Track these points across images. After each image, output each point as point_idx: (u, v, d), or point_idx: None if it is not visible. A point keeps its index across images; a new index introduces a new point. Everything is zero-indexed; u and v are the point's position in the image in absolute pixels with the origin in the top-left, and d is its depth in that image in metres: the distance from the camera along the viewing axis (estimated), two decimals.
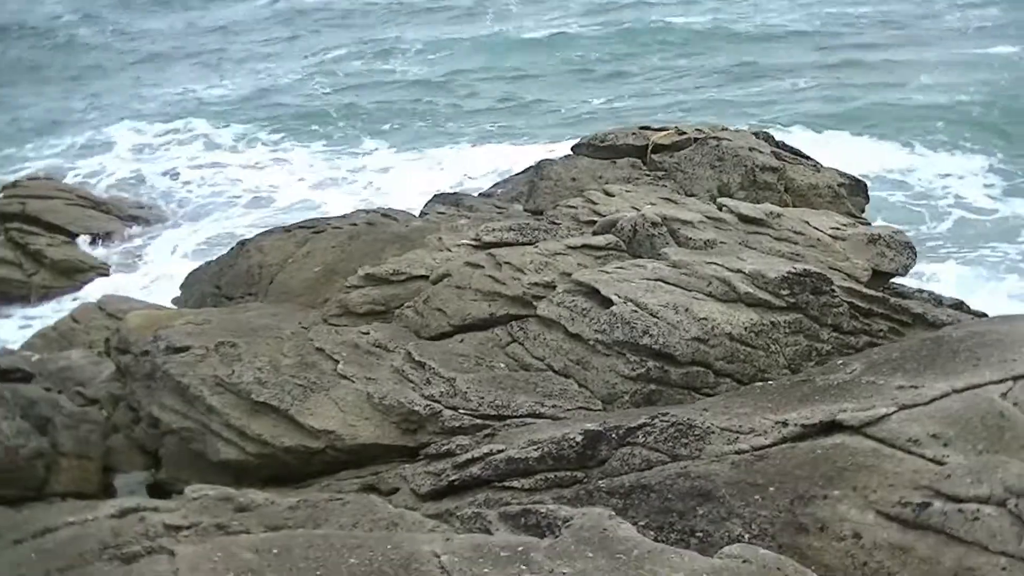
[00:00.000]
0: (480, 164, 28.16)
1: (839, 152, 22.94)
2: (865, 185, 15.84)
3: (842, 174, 15.70)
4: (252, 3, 58.38)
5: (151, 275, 21.53)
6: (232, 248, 15.88)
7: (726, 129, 16.07)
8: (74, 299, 19.62)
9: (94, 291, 19.91)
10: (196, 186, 28.18)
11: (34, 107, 39.04)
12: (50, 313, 19.27)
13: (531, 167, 17.36)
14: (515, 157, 26.56)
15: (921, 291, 13.53)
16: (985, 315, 12.19)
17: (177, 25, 55.20)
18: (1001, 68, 32.57)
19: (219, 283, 14.95)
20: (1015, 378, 7.90)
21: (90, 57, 48.31)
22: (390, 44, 45.03)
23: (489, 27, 45.64)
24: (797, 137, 24.25)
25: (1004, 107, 28.83)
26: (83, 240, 22.88)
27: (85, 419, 11.87)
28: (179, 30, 54.06)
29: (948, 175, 24.98)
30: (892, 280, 12.50)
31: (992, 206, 23.07)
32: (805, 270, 10.37)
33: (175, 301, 15.68)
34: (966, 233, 21.78)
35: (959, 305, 12.67)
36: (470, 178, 26.42)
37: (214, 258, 16.94)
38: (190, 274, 16.45)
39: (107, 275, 21.73)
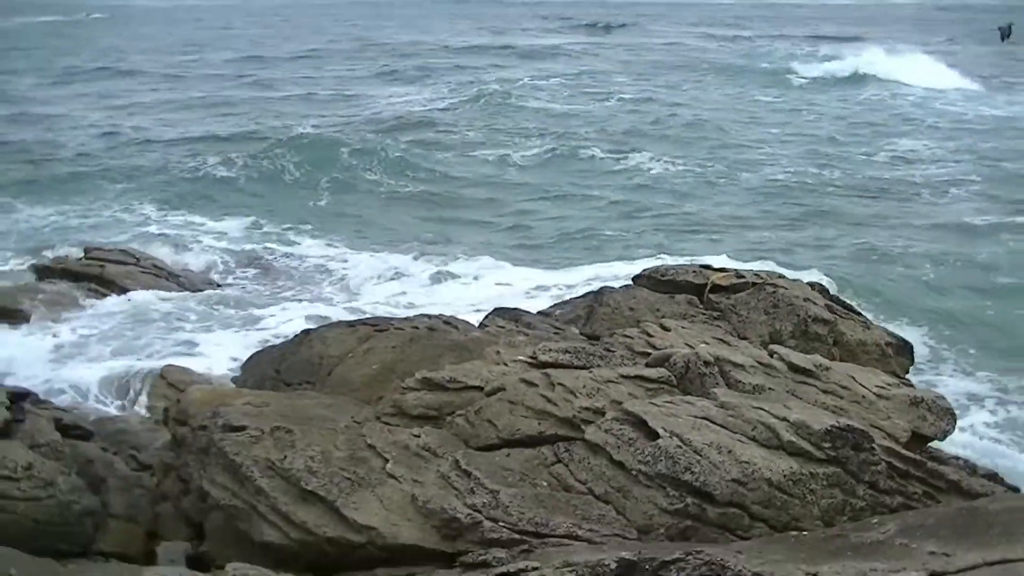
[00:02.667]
0: None
1: None
2: (911, 347, 15.76)
3: (890, 334, 15.66)
4: None
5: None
6: (296, 336, 15.89)
7: (783, 277, 16.06)
8: None
9: None
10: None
11: None
12: None
13: (591, 292, 17.36)
14: None
15: (957, 458, 13.42)
16: (1018, 490, 12.10)
17: None
18: None
19: (279, 367, 14.90)
20: None
21: None
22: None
23: None
24: None
25: None
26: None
27: (137, 484, 11.95)
28: None
29: None
30: (930, 444, 12.41)
31: None
32: (848, 425, 10.31)
33: (235, 380, 15.68)
34: None
35: (993, 476, 12.56)
36: None
37: (278, 342, 17.01)
38: (252, 356, 16.44)
39: None
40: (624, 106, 56.52)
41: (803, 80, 68.62)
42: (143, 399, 16.42)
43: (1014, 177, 38.90)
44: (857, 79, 67.25)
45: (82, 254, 24.56)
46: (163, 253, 27.01)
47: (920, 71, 68.24)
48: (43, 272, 23.47)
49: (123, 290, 22.34)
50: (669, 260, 24.19)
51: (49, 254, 25.77)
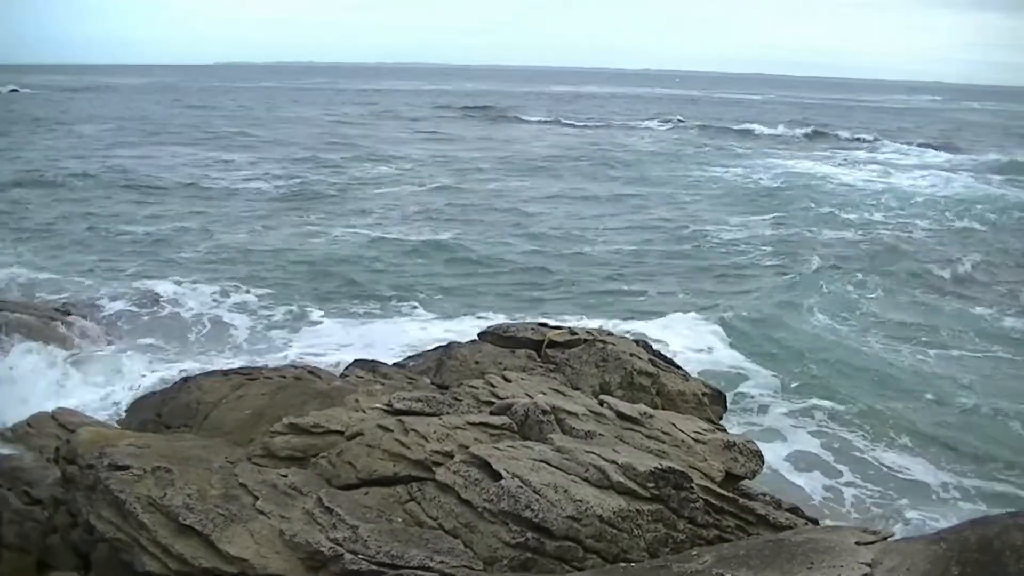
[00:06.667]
0: None
1: None
2: (725, 396, 15.92)
3: (706, 384, 15.80)
4: None
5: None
6: (176, 383, 15.68)
7: (611, 335, 16.16)
8: None
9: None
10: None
11: None
12: None
13: (441, 346, 17.33)
14: None
15: (764, 494, 13.53)
16: (816, 521, 12.21)
17: None
18: None
19: (160, 411, 14.71)
20: None
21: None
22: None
23: None
24: None
25: None
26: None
27: (29, 517, 11.71)
28: None
29: None
30: (741, 482, 12.49)
31: None
32: (670, 467, 10.33)
33: (120, 423, 15.41)
34: None
35: (795, 509, 12.67)
36: None
37: (159, 388, 16.74)
38: (136, 400, 16.30)
39: None
40: None
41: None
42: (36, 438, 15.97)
43: None
44: None
45: None
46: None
47: None
48: None
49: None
50: None
51: None
